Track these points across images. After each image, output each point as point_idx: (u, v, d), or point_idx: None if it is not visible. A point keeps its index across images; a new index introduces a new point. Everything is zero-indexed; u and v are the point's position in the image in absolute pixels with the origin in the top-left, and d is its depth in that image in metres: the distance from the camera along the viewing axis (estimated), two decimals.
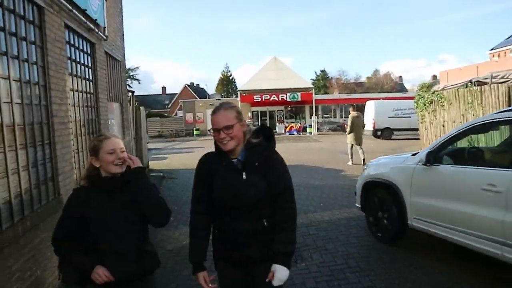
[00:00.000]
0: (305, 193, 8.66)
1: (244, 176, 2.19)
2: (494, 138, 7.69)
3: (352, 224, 6.22)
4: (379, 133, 23.89)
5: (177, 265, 4.78)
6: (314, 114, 33.07)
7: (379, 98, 29.35)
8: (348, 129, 12.98)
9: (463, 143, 4.68)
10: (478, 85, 11.28)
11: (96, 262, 2.14)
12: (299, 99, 33.18)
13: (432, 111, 13.28)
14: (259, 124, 2.50)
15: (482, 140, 8.24)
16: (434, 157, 4.58)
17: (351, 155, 12.88)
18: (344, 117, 35.66)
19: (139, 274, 2.24)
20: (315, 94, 36.52)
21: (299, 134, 31.40)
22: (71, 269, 2.20)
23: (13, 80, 3.44)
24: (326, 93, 50.14)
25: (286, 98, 32.80)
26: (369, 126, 24.40)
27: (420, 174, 4.72)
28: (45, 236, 3.82)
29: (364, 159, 11.97)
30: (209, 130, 2.29)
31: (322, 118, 35.67)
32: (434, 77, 47.01)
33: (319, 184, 9.65)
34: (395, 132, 23.76)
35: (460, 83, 12.38)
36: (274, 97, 32.80)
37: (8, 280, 3.08)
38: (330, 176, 10.80)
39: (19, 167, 3.44)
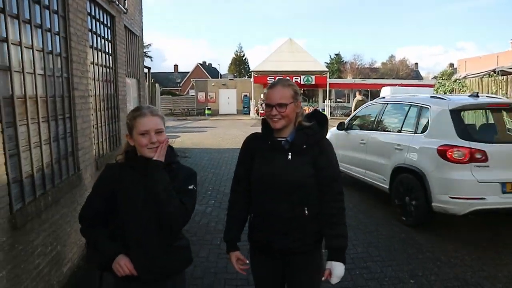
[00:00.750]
0: None
1: (289, 157, 2.09)
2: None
3: (371, 212, 6.10)
4: None
5: (194, 246, 4.72)
6: (327, 98, 32.64)
7: (394, 85, 28.76)
8: (352, 111, 14.64)
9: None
10: (502, 75, 10.91)
11: (120, 250, 1.91)
12: (313, 82, 32.70)
13: None
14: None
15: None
16: (345, 126, 7.61)
17: None
18: None
19: (166, 273, 1.98)
20: (329, 78, 35.99)
21: None
22: (94, 252, 2.00)
23: (36, 50, 3.32)
24: (340, 77, 49.42)
25: (300, 80, 32.33)
26: None
27: (339, 136, 7.61)
28: (65, 211, 3.77)
29: None
30: (261, 103, 2.17)
31: (335, 102, 35.21)
32: (451, 65, 45.87)
33: None
34: None
35: (483, 72, 11.98)
36: None
37: (31, 255, 3.04)
38: None
39: (41, 140, 3.35)
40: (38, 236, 3.18)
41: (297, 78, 32.34)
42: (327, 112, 31.02)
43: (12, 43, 2.90)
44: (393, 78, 43.61)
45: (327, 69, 37.33)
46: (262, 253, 2.25)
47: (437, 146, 4.92)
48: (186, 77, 58.72)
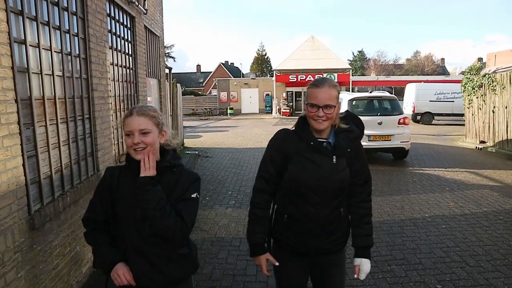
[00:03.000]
0: None
1: (334, 160, 2.04)
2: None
3: (396, 212, 5.91)
4: (418, 117, 22.88)
5: (213, 247, 4.68)
6: None
7: (419, 81, 28.01)
8: None
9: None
10: None
11: (120, 258, 1.83)
12: (336, 80, 32.29)
13: (482, 95, 12.49)
14: (346, 111, 2.46)
15: None
16: None
17: None
18: None
19: (168, 281, 1.87)
20: (352, 75, 35.47)
21: None
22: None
23: (55, 51, 3.34)
24: (363, 74, 48.74)
25: None
26: (408, 110, 23.42)
27: None
28: (84, 212, 3.78)
29: None
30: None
31: None
32: (480, 59, 44.38)
33: None
34: (436, 117, 22.67)
35: None
36: (310, 78, 32.02)
37: (49, 255, 3.05)
38: (369, 162, 10.38)
39: (59, 141, 3.37)
40: (57, 237, 3.20)
41: (320, 76, 31.99)
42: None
43: (30, 45, 2.92)
44: (418, 75, 42.55)
45: (350, 67, 36.81)
46: (290, 252, 2.19)
47: None
48: (209, 77, 59.15)
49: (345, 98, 9.94)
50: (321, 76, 31.38)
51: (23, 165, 2.72)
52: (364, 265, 2.16)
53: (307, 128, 2.07)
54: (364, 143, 8.77)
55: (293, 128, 2.15)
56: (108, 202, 1.86)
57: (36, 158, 2.96)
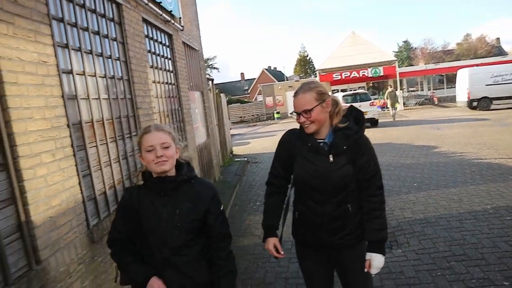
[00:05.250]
0: (396, 173, 8.08)
1: (331, 159, 2.12)
2: None
3: (453, 206, 5.61)
4: (475, 103, 21.49)
5: (265, 251, 4.70)
6: (398, 88, 31.00)
7: (473, 65, 26.36)
8: (385, 99, 23.83)
9: None
10: None
11: (152, 273, 1.89)
12: (382, 74, 31.29)
13: None
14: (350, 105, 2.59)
15: None
16: None
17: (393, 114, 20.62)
18: (433, 90, 32.95)
19: (199, 285, 1.95)
20: (399, 67, 34.19)
21: (383, 110, 29.25)
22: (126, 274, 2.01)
23: (99, 76, 3.58)
24: (410, 65, 46.79)
25: (367, 73, 31.16)
26: (463, 97, 22.12)
27: None
28: None
29: (393, 115, 20.63)
30: (290, 113, 2.20)
31: (408, 92, 33.33)
32: None
33: (410, 163, 8.95)
34: (494, 102, 21.17)
35: None
36: (354, 74, 31.36)
37: (110, 266, 3.25)
38: (422, 154, 9.97)
39: (110, 159, 3.60)
40: None
41: (364, 72, 31.27)
42: (400, 103, 29.41)
43: (76, 74, 3.16)
44: (471, 58, 40.01)
45: (395, 58, 35.49)
46: (309, 247, 2.31)
47: None
48: (253, 84, 59.75)
49: (339, 95, 17.83)
50: (365, 71, 30.76)
51: (79, 184, 2.94)
52: (374, 260, 2.15)
53: None
54: None
55: (299, 128, 2.27)
56: (130, 219, 1.93)
57: (90, 177, 3.19)
